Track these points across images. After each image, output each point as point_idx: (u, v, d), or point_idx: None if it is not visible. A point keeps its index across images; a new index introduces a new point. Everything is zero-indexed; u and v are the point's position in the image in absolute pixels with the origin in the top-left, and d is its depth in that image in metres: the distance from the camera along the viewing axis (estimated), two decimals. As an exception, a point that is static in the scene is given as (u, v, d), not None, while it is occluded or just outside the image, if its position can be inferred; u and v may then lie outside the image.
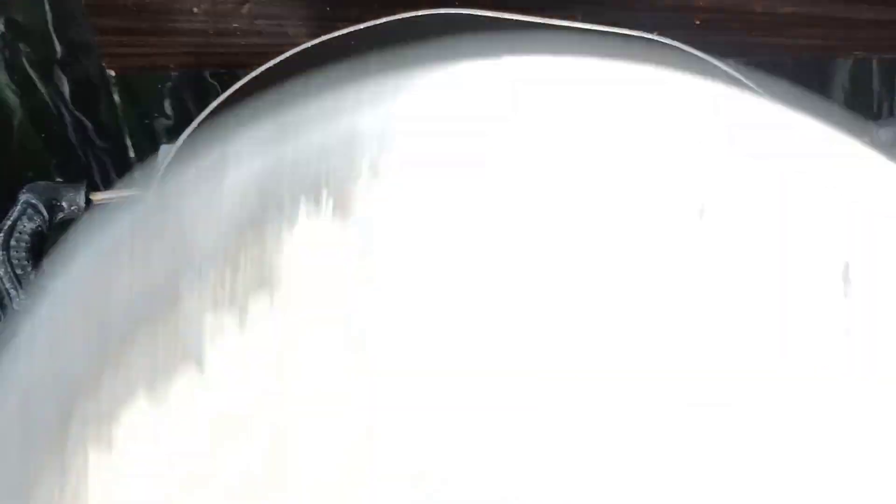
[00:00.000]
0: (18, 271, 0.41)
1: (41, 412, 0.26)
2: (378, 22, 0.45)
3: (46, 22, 0.57)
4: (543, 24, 0.46)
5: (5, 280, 0.41)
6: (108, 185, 0.60)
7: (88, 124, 0.59)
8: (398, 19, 0.46)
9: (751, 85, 0.40)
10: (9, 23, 0.56)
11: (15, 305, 0.40)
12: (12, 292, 0.41)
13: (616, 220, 0.32)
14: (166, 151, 0.45)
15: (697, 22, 0.60)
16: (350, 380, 0.32)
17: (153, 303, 0.28)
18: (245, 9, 0.59)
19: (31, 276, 0.42)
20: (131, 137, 0.60)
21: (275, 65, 0.44)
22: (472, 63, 0.30)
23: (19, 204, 0.45)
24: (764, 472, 0.33)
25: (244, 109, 0.28)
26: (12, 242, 0.43)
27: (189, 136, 0.42)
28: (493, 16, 0.45)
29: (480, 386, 0.33)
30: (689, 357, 0.33)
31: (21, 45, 0.57)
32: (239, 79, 0.44)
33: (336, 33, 0.45)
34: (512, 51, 0.30)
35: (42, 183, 0.52)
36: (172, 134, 0.59)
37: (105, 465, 0.28)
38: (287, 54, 0.44)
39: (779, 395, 0.33)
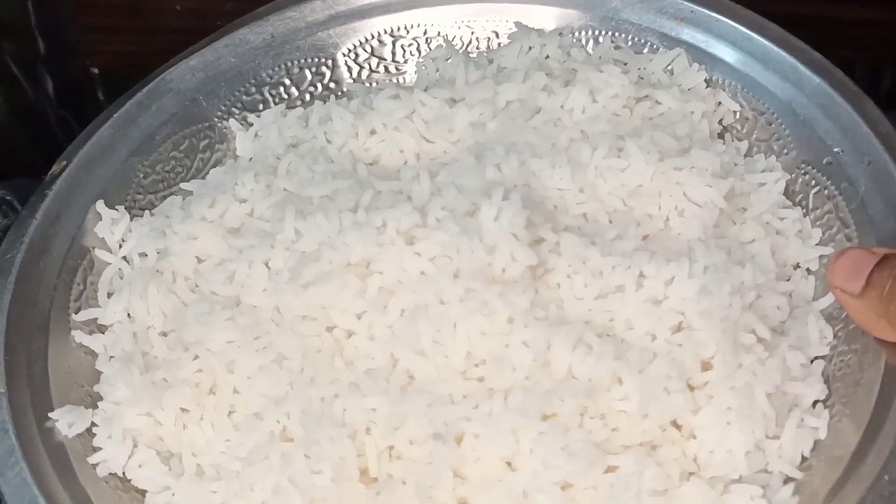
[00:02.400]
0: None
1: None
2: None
3: (30, 20, 0.57)
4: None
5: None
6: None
7: (73, 122, 0.59)
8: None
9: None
10: (-7, 22, 0.56)
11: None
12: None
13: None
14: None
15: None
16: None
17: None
18: (228, 7, 0.59)
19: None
20: (116, 134, 0.60)
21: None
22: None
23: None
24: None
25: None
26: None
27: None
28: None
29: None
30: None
31: (5, 44, 0.57)
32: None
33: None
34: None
35: (23, 180, 0.52)
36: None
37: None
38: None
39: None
